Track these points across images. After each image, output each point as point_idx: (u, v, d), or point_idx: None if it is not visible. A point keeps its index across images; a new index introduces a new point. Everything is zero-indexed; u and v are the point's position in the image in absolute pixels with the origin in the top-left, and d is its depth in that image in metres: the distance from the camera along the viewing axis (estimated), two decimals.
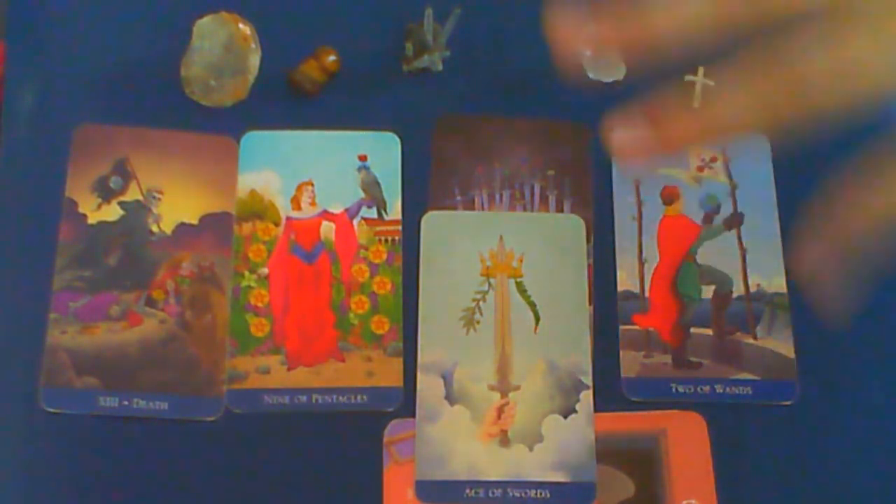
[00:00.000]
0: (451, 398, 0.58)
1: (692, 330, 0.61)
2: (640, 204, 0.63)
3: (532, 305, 0.60)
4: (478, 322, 0.60)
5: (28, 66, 0.65)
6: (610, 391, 0.59)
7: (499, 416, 0.57)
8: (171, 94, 0.64)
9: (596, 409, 0.58)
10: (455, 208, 0.63)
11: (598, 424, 0.57)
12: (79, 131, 0.63)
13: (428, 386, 0.58)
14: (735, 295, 0.61)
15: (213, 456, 0.57)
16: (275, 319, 0.60)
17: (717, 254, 0.62)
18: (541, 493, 0.56)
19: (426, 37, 0.65)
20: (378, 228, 0.62)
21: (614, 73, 0.66)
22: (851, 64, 0.37)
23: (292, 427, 0.57)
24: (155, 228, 0.61)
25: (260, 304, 0.60)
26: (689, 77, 0.67)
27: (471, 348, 0.59)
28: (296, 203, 0.62)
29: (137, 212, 0.62)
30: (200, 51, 0.63)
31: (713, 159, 0.65)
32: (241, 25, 0.63)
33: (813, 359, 0.60)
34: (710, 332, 0.61)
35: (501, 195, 0.63)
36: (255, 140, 0.64)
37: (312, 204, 0.63)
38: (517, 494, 0.56)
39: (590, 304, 0.60)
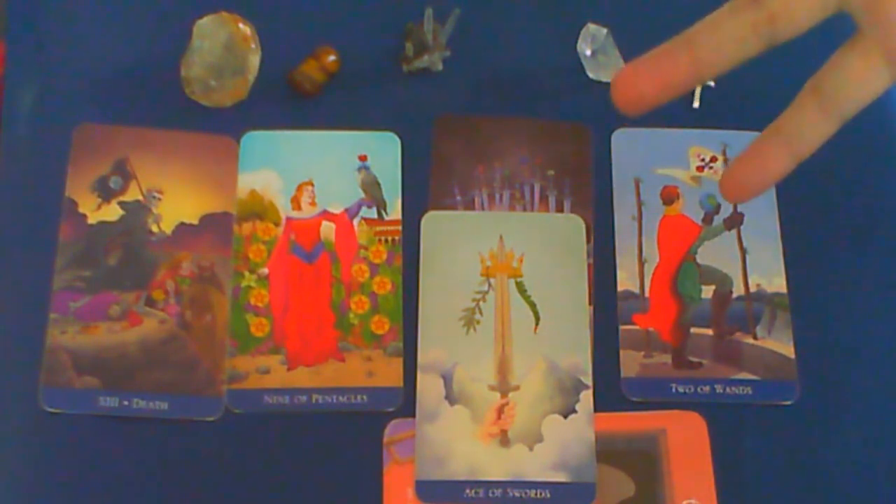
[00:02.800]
0: (451, 398, 0.58)
1: (692, 330, 0.61)
2: (640, 204, 0.63)
3: (532, 305, 0.60)
4: (478, 322, 0.60)
5: (28, 66, 0.65)
6: (610, 391, 0.59)
7: (499, 416, 0.57)
8: (171, 94, 0.64)
9: (596, 409, 0.58)
10: (455, 208, 0.63)
11: (598, 424, 0.57)
12: (79, 131, 0.63)
13: (428, 386, 0.58)
14: (735, 295, 0.61)
15: (213, 456, 0.57)
16: (275, 319, 0.60)
17: (717, 254, 0.62)
18: (541, 493, 0.56)
19: (426, 37, 0.65)
20: (378, 228, 0.62)
21: (614, 73, 0.66)
22: None
23: (292, 427, 0.57)
24: (155, 228, 0.61)
25: (260, 304, 0.60)
26: None
27: (471, 348, 0.59)
28: (296, 203, 0.62)
29: (137, 212, 0.62)
30: (200, 51, 0.63)
31: (713, 159, 0.65)
32: (241, 25, 0.63)
33: (813, 359, 0.60)
34: (710, 332, 0.61)
35: (501, 195, 0.63)
36: (255, 140, 0.64)
37: (312, 204, 0.63)
38: (517, 494, 0.56)
39: (590, 304, 0.60)
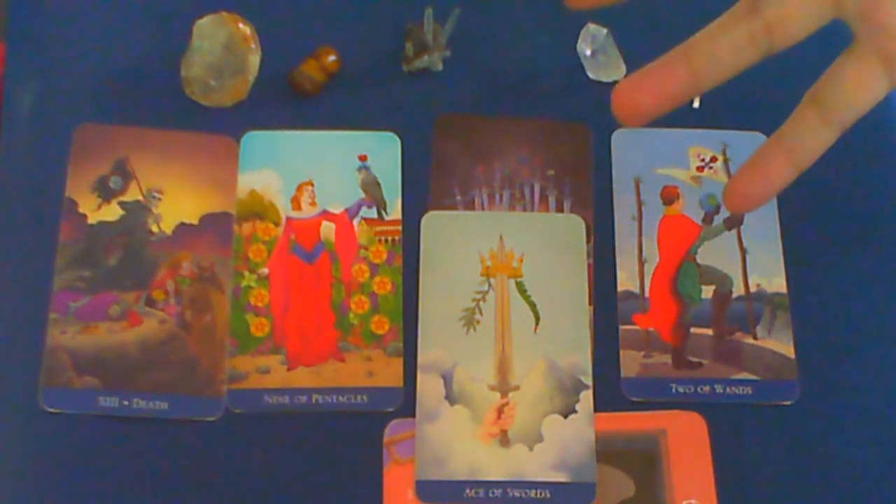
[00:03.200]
0: (451, 398, 0.58)
1: (692, 330, 0.61)
2: (640, 204, 0.63)
3: (532, 305, 0.60)
4: (478, 322, 0.60)
5: (28, 66, 0.65)
6: (610, 391, 0.59)
7: (499, 416, 0.57)
8: (171, 94, 0.64)
9: (596, 409, 0.58)
10: (455, 208, 0.63)
11: (598, 424, 0.57)
12: (79, 131, 0.63)
13: (428, 386, 0.58)
14: (735, 295, 0.61)
15: (213, 456, 0.57)
16: (275, 319, 0.60)
17: (717, 254, 0.62)
18: (541, 493, 0.56)
19: (426, 37, 0.65)
20: (378, 228, 0.62)
21: (614, 73, 0.66)
22: None
23: (292, 427, 0.57)
24: (155, 228, 0.61)
25: (260, 304, 0.60)
26: None
27: (471, 348, 0.59)
28: (296, 203, 0.62)
29: (137, 212, 0.62)
30: (200, 51, 0.63)
31: (713, 159, 0.65)
32: (241, 25, 0.63)
33: (813, 359, 0.60)
34: (710, 332, 0.61)
35: (501, 195, 0.63)
36: (255, 140, 0.64)
37: (312, 204, 0.63)
38: (517, 494, 0.56)
39: (590, 304, 0.60)
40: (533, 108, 0.66)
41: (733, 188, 0.45)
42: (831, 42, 0.44)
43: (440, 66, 0.66)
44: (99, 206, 0.61)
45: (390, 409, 0.58)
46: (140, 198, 0.62)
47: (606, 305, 0.61)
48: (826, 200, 0.64)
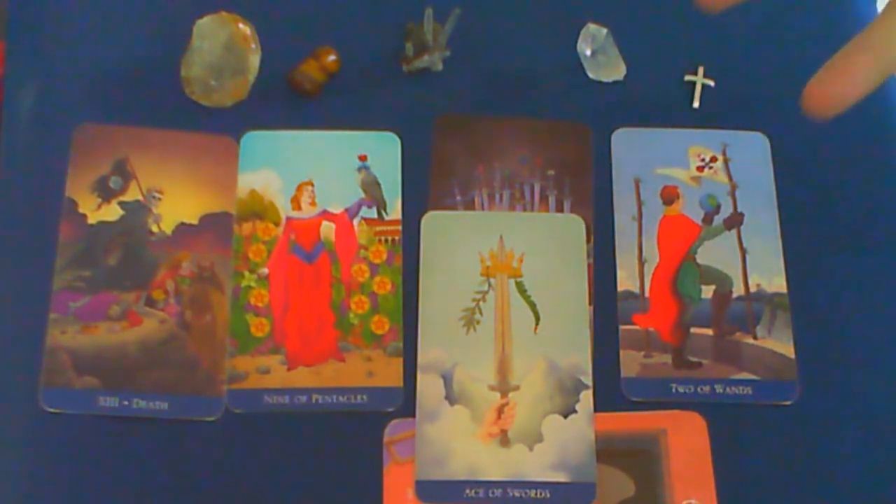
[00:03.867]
0: (451, 398, 0.58)
1: (692, 330, 0.61)
2: (640, 204, 0.63)
3: (532, 305, 0.60)
4: (478, 322, 0.60)
5: (28, 66, 0.65)
6: (610, 391, 0.59)
7: (499, 416, 0.57)
8: (171, 94, 0.64)
9: (596, 409, 0.58)
10: (455, 208, 0.63)
11: (598, 424, 0.57)
12: (79, 131, 0.63)
13: (428, 386, 0.58)
14: (735, 295, 0.61)
15: (213, 456, 0.57)
16: (275, 319, 0.60)
17: (717, 254, 0.62)
18: (541, 493, 0.56)
19: (426, 37, 0.65)
20: (378, 228, 0.62)
21: (614, 73, 0.66)
22: None
23: (292, 427, 0.57)
24: (155, 228, 0.61)
25: (260, 304, 0.60)
26: (689, 77, 0.67)
27: (471, 348, 0.59)
28: (296, 203, 0.62)
29: (137, 212, 0.62)
30: (200, 51, 0.63)
31: (713, 159, 0.65)
32: (241, 25, 0.63)
33: (813, 359, 0.60)
34: (710, 332, 0.61)
35: (501, 195, 0.63)
36: (255, 140, 0.64)
37: (312, 204, 0.63)
38: (517, 494, 0.56)
39: (590, 304, 0.60)
40: (533, 108, 0.66)
41: (814, 90, 0.43)
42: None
43: (440, 66, 0.66)
44: (99, 206, 0.61)
45: (390, 409, 0.58)
46: (140, 198, 0.62)
47: (606, 305, 0.61)
48: (826, 200, 0.64)
